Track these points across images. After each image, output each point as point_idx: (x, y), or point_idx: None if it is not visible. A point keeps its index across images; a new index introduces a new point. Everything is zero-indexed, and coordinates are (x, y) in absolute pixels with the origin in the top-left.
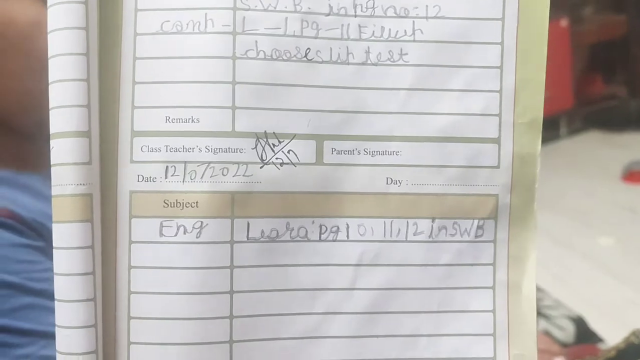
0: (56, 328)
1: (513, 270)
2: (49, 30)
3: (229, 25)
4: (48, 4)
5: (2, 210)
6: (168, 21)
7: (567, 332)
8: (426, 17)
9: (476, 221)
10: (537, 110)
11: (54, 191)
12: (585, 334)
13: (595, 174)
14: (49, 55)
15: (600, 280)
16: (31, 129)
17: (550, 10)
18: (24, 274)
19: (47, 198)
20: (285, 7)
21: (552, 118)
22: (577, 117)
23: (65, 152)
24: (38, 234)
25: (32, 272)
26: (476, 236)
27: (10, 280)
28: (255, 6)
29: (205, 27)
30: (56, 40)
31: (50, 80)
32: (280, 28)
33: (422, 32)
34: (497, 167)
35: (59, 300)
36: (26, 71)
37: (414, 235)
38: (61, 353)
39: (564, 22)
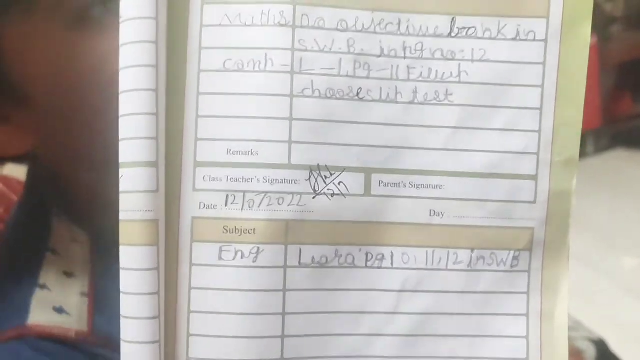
0: (122, 343)
1: (546, 299)
2: (120, 67)
3: (287, 65)
4: (121, 43)
5: None
6: (230, 59)
7: (588, 354)
8: (472, 60)
9: (512, 252)
10: (573, 149)
11: (122, 216)
12: (605, 357)
13: (622, 192)
14: (120, 91)
15: (624, 301)
16: None
17: None
18: None
19: None
20: (340, 49)
21: None
22: (605, 136)
23: (134, 181)
24: None
25: None
26: (512, 266)
27: None
28: (312, 47)
29: (265, 66)
30: (128, 77)
31: (121, 113)
32: (334, 68)
33: (467, 74)
34: (534, 202)
35: (126, 317)
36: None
37: (454, 264)
38: None
39: (592, 40)
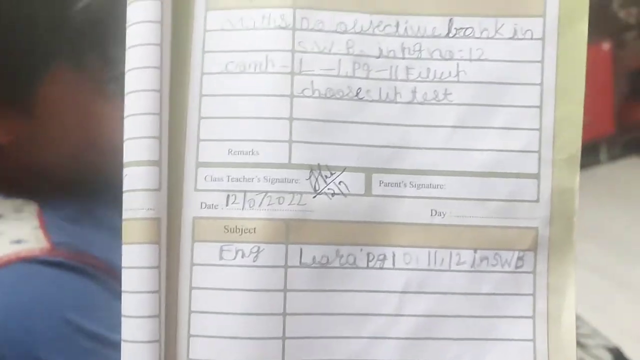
0: (122, 342)
1: (552, 301)
2: (126, 69)
3: (287, 66)
4: (127, 46)
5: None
6: (232, 62)
7: None
8: (470, 59)
9: (516, 252)
10: (575, 146)
11: (125, 215)
12: None
13: (635, 200)
14: (125, 92)
15: (639, 310)
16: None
17: (592, 33)
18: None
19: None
20: (339, 50)
21: (592, 144)
22: (618, 144)
23: (137, 179)
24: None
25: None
26: (516, 267)
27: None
28: (312, 49)
29: (266, 67)
30: (133, 78)
31: (126, 114)
32: (334, 69)
33: (465, 74)
34: (537, 201)
35: (127, 317)
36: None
37: (457, 264)
38: None
39: (606, 46)
